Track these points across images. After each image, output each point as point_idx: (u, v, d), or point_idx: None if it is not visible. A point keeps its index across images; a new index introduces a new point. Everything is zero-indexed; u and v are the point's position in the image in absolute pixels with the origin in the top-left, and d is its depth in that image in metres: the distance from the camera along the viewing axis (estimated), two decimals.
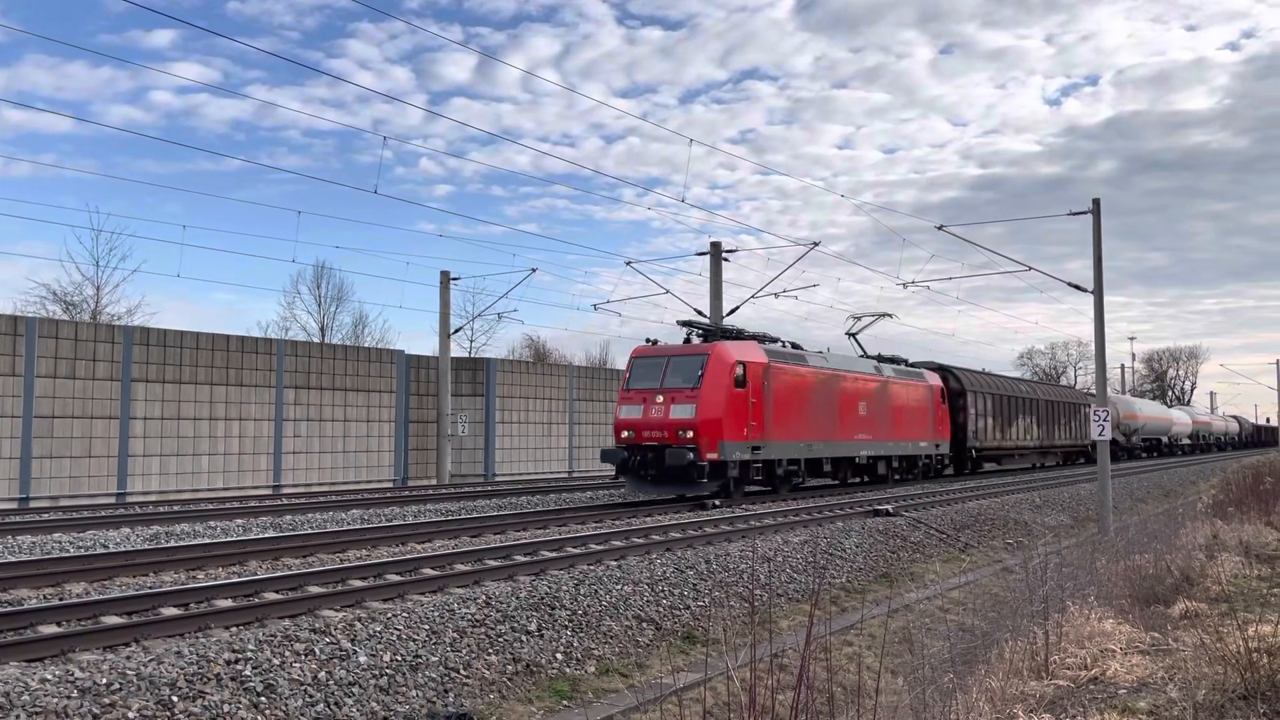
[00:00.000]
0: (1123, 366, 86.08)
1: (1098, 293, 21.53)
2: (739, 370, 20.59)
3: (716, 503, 20.36)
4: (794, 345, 24.66)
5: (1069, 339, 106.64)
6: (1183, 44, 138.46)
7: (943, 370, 33.94)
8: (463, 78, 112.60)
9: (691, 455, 19.16)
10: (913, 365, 31.66)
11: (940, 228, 22.98)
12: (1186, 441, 70.74)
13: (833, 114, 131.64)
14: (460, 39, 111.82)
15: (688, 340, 22.12)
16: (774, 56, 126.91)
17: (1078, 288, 23.05)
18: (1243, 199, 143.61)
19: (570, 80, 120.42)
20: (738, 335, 22.69)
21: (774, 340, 24.04)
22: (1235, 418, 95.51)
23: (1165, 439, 64.07)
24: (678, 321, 22.71)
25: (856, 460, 26.01)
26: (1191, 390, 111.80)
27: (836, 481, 26.76)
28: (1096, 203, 21.50)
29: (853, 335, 30.18)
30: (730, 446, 20.13)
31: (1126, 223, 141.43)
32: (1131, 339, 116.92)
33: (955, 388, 33.69)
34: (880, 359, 29.56)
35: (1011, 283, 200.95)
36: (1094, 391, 60.99)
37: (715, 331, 22.31)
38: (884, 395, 27.35)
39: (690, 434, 19.46)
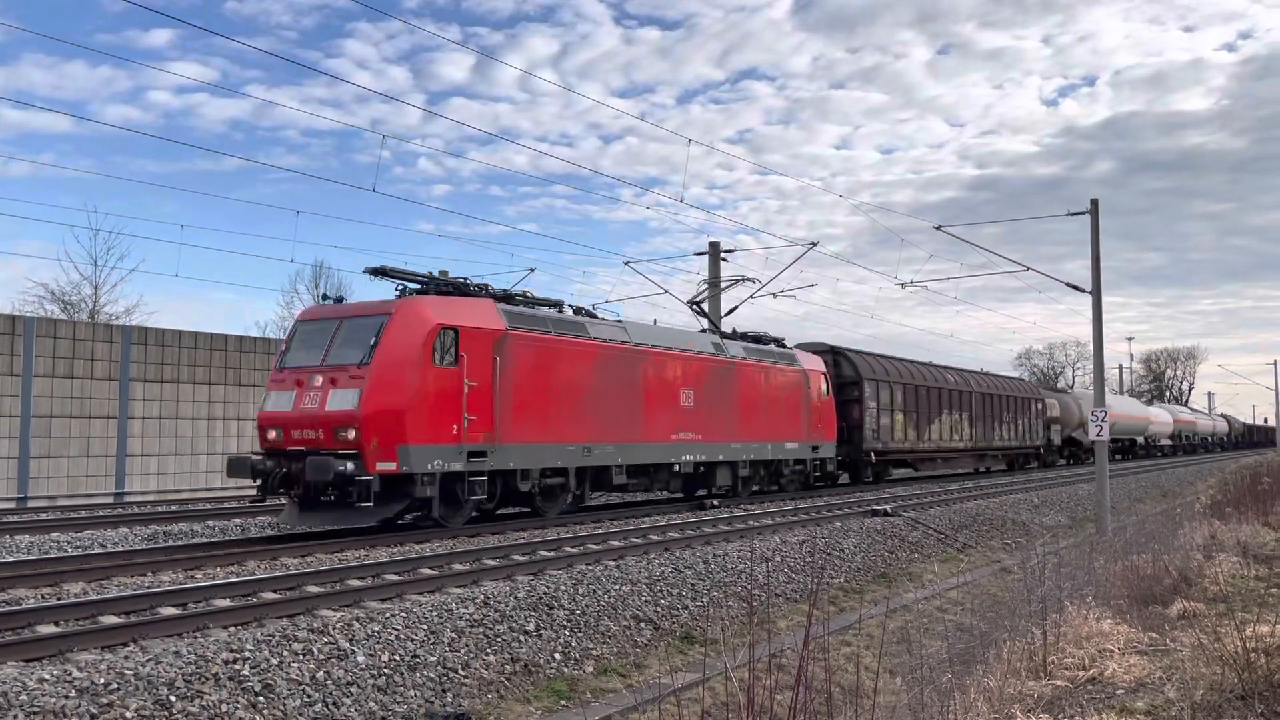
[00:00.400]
0: (1121, 367, 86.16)
1: (1095, 293, 21.55)
2: (444, 339, 14.18)
3: (715, 503, 20.31)
4: (579, 310, 18.21)
5: (1067, 339, 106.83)
6: (1180, 45, 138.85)
7: (833, 353, 27.56)
8: (461, 77, 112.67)
9: (349, 466, 13.07)
10: (785, 346, 24.60)
11: (938, 228, 23.01)
12: (1166, 442, 65.62)
13: (830, 114, 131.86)
14: (458, 39, 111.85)
15: (402, 293, 15.19)
16: (772, 57, 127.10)
17: (1076, 288, 23.09)
18: (1240, 199, 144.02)
19: (568, 80, 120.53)
20: (458, 289, 15.74)
21: (547, 304, 17.36)
22: (1225, 417, 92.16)
23: (1141, 439, 59.08)
24: (365, 269, 15.71)
25: (677, 468, 19.19)
26: (1189, 390, 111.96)
27: (657, 496, 20.59)
28: (1094, 203, 21.53)
29: (695, 304, 23.43)
30: (423, 452, 13.75)
31: (1124, 223, 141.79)
32: (1130, 339, 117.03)
33: (848, 375, 27.24)
34: (730, 335, 23.00)
35: (1009, 283, 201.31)
36: (1056, 387, 55.82)
37: (428, 284, 15.52)
38: (725, 381, 20.60)
39: (352, 434, 13.28)
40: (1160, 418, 63.52)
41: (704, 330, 22.87)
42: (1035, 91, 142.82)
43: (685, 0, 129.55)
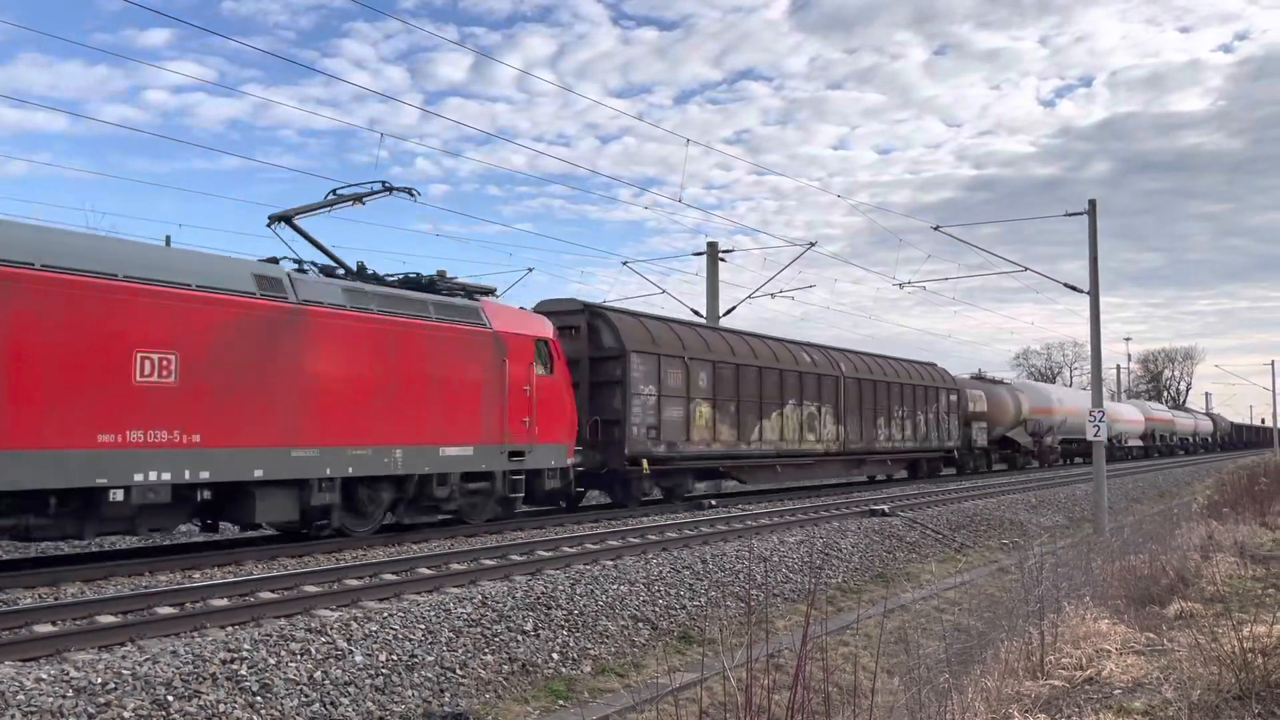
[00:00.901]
0: (1118, 367, 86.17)
1: (1093, 293, 21.58)
2: None
3: (713, 502, 20.31)
4: None
5: (1065, 339, 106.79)
6: (1176, 45, 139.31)
7: (588, 314, 19.01)
8: (458, 77, 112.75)
9: None
10: (476, 296, 15.49)
11: (937, 228, 23.05)
12: (1136, 443, 57.24)
13: (827, 114, 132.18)
14: (456, 39, 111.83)
15: None
16: (769, 57, 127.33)
17: (1073, 288, 23.11)
18: (1237, 200, 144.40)
19: (566, 80, 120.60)
20: None
21: None
22: (1211, 415, 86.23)
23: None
24: None
25: (120, 495, 10.53)
26: (1187, 391, 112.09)
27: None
28: (1093, 204, 21.57)
29: (284, 221, 14.16)
30: None
31: (1121, 224, 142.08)
32: (1127, 340, 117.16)
33: (609, 347, 18.50)
34: (341, 272, 14.03)
35: (1007, 283, 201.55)
36: (983, 374, 42.08)
37: None
38: (280, 345, 12.03)
39: None
40: (1127, 415, 55.25)
41: (265, 260, 13.13)
42: (1032, 92, 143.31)
43: (682, 1, 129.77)
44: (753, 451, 22.15)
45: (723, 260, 29.92)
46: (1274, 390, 76.12)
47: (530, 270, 43.39)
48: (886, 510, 19.23)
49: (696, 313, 29.26)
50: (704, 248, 29.91)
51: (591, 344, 18.66)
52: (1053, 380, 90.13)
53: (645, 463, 18.63)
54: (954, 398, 33.21)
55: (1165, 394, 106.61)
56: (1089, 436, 21.37)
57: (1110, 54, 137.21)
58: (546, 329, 16.45)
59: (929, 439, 31.10)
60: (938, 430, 31.71)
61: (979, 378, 40.18)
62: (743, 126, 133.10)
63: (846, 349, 28.23)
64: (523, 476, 15.57)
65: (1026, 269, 25.93)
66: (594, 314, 19.03)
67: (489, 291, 15.96)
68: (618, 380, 18.38)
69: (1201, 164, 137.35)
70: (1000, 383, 41.12)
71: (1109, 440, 53.80)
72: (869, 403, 27.41)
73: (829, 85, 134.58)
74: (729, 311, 29.71)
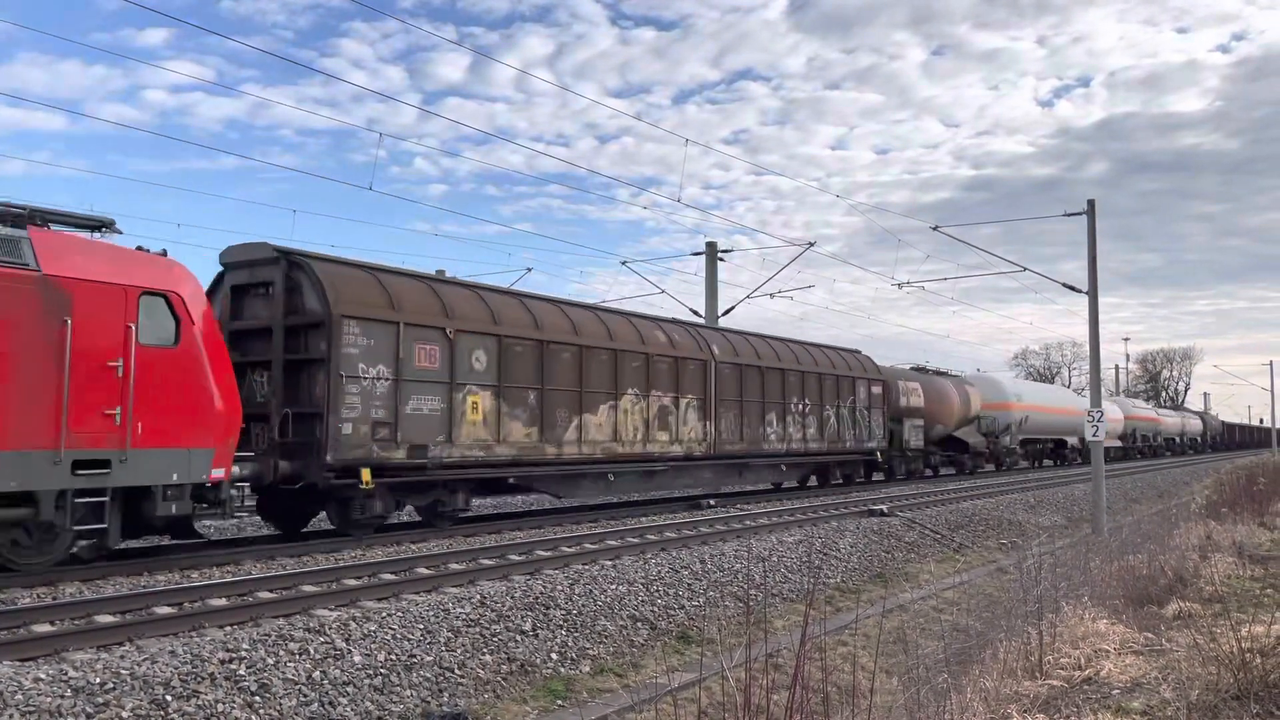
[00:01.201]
0: (1117, 367, 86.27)
1: (1092, 293, 21.60)
2: None
3: (712, 502, 20.34)
4: None
5: (1063, 339, 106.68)
6: (1174, 46, 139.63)
7: (287, 263, 13.38)
8: (456, 77, 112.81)
9: None
10: (31, 220, 9.78)
11: (935, 228, 23.07)
12: (1114, 444, 51.79)
13: (826, 115, 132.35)
14: (454, 38, 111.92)
15: None
16: (767, 57, 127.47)
17: (1072, 288, 23.13)
18: (1235, 200, 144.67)
19: (564, 80, 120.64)
20: None
21: None
22: (1201, 415, 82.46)
23: (1075, 440, 44.75)
24: None
25: None
26: (1185, 391, 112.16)
27: None
28: (1091, 204, 21.59)
29: None
30: None
31: (1119, 224, 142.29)
32: (1126, 340, 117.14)
33: (311, 311, 13.11)
34: None
35: (1006, 283, 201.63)
36: (915, 366, 36.77)
37: None
38: None
39: None
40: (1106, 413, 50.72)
41: None
42: (1030, 92, 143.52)
43: (681, 1, 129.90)
44: (566, 456, 16.63)
45: (721, 260, 29.96)
46: (1272, 391, 76.26)
47: (529, 270, 43.44)
48: (885, 510, 19.25)
49: (696, 312, 29.29)
50: (703, 247, 29.97)
51: (289, 307, 13.37)
52: (1051, 380, 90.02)
53: (366, 473, 13.25)
54: (877, 390, 27.55)
55: (1164, 394, 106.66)
56: (1088, 437, 21.36)
57: (1108, 54, 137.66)
58: (170, 277, 10.71)
59: (841, 439, 25.53)
60: (854, 428, 26.12)
61: (919, 369, 34.81)
62: (741, 126, 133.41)
63: (725, 328, 23.47)
64: (106, 499, 9.98)
65: (1025, 269, 26.00)
66: (294, 264, 13.47)
67: (101, 225, 10.68)
68: (321, 358, 12.99)
69: (1199, 164, 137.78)
70: (944, 374, 35.62)
71: (1082, 441, 48.79)
72: (754, 394, 21.97)
73: (827, 85, 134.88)
74: (728, 311, 29.76)
